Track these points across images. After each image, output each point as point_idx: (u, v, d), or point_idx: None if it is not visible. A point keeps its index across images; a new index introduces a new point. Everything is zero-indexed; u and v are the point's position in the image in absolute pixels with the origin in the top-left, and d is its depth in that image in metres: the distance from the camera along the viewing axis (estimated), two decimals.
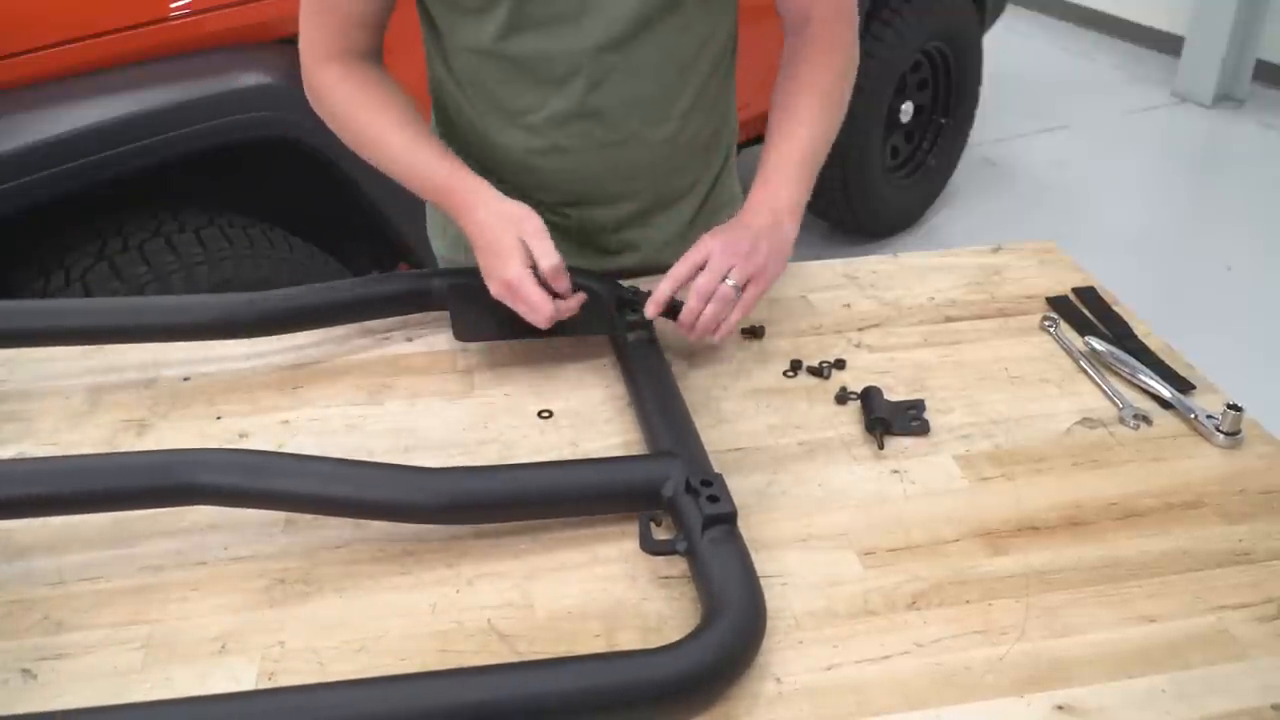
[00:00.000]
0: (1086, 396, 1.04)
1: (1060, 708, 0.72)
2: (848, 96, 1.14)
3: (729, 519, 0.81)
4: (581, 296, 1.04)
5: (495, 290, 1.01)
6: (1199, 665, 0.75)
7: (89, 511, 0.83)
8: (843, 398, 1.03)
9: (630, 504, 0.86)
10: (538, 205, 1.20)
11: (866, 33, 2.88)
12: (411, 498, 0.82)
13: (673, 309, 1.04)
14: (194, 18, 1.75)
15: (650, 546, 0.82)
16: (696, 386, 1.05)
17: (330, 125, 1.11)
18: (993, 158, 3.86)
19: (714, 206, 1.26)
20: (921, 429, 0.98)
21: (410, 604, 0.80)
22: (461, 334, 1.09)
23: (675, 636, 0.74)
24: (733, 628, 0.73)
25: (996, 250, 1.30)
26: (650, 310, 1.03)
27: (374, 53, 1.12)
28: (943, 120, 3.30)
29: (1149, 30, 4.83)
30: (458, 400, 1.04)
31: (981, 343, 1.12)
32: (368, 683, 0.69)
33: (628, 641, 0.77)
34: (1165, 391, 1.02)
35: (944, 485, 0.92)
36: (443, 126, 1.23)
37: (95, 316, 1.07)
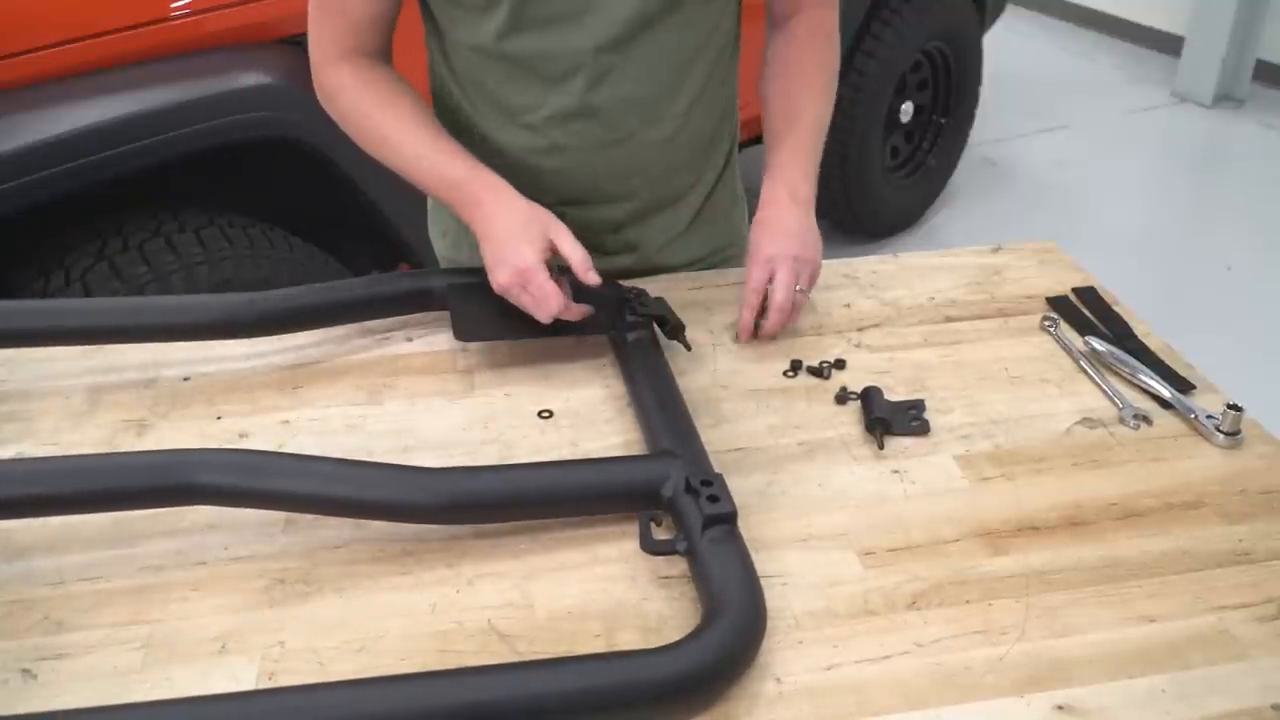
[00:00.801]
0: (1086, 396, 1.04)
1: (1060, 708, 0.72)
2: (836, 76, 1.19)
3: (729, 519, 0.81)
4: (587, 308, 1.05)
5: (505, 280, 1.01)
6: (1199, 665, 0.75)
7: (89, 511, 0.83)
8: (843, 398, 1.03)
9: (630, 504, 0.86)
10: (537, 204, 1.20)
11: (866, 32, 2.88)
12: (411, 498, 0.82)
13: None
14: (194, 18, 1.75)
15: (650, 546, 0.82)
16: (696, 386, 1.05)
17: (342, 126, 1.12)
18: (993, 158, 3.86)
19: (716, 207, 1.26)
20: (921, 429, 0.98)
21: (410, 604, 0.80)
22: (461, 334, 1.09)
23: (675, 636, 0.74)
24: (733, 628, 0.73)
25: (996, 250, 1.30)
26: (743, 337, 1.11)
27: (383, 52, 1.12)
28: (943, 120, 3.30)
29: (1149, 30, 4.83)
30: (458, 400, 1.04)
31: (981, 343, 1.12)
32: (368, 683, 0.69)
33: (628, 641, 0.77)
34: (1165, 391, 1.02)
35: (944, 485, 0.92)
36: (444, 125, 1.23)
37: (95, 316, 1.07)
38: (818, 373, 1.07)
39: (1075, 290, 1.21)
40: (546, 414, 1.01)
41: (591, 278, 1.02)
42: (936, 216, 3.44)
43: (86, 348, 1.10)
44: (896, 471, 0.94)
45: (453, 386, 1.06)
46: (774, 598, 0.79)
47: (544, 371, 1.08)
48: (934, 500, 0.91)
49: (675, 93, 1.12)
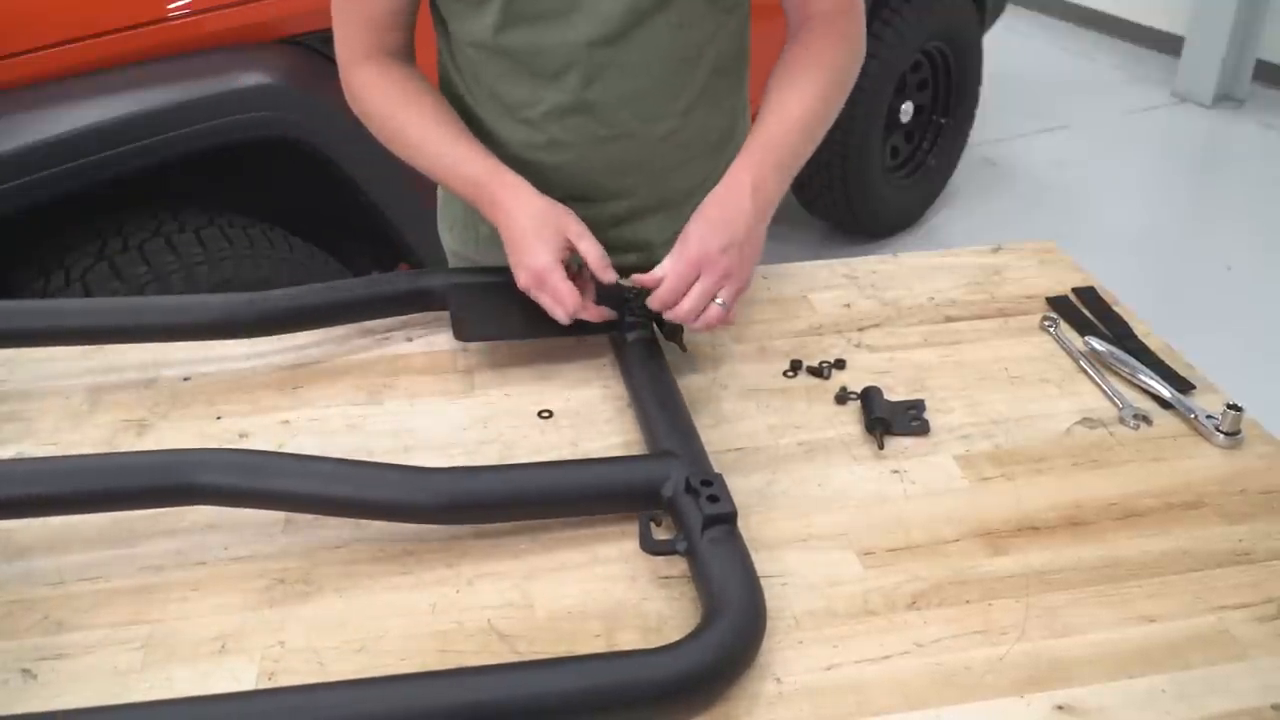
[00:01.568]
0: (1086, 396, 1.04)
1: (1060, 708, 0.72)
2: (849, 84, 1.10)
3: (729, 519, 0.81)
4: (606, 310, 1.04)
5: (523, 281, 1.02)
6: (1199, 665, 0.75)
7: (89, 511, 0.83)
8: (843, 398, 1.03)
9: (630, 504, 0.86)
10: None
11: (867, 33, 2.87)
12: (411, 498, 0.82)
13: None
14: (194, 18, 1.75)
15: (650, 546, 0.82)
16: (696, 386, 1.05)
17: (367, 125, 1.13)
18: (993, 158, 3.86)
19: None
20: (921, 429, 0.98)
21: (410, 604, 0.80)
22: (461, 334, 1.09)
23: (675, 636, 0.74)
24: (733, 628, 0.73)
25: (996, 250, 1.30)
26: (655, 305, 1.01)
27: (406, 49, 1.14)
28: (943, 120, 3.30)
29: (1149, 30, 4.83)
30: (458, 400, 1.04)
31: (981, 343, 1.12)
32: (368, 683, 0.69)
33: (628, 641, 0.77)
34: (1165, 391, 1.02)
35: (944, 485, 0.92)
36: None
37: (95, 316, 1.07)
38: (818, 373, 1.07)
39: (1075, 290, 1.21)
40: (546, 414, 1.01)
41: (609, 275, 1.02)
42: (936, 216, 3.44)
43: (86, 348, 1.10)
44: (896, 471, 0.94)
45: (453, 386, 1.06)
46: (774, 598, 0.79)
47: (544, 371, 1.08)
48: (934, 500, 0.91)
49: (674, 91, 1.12)
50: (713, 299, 0.98)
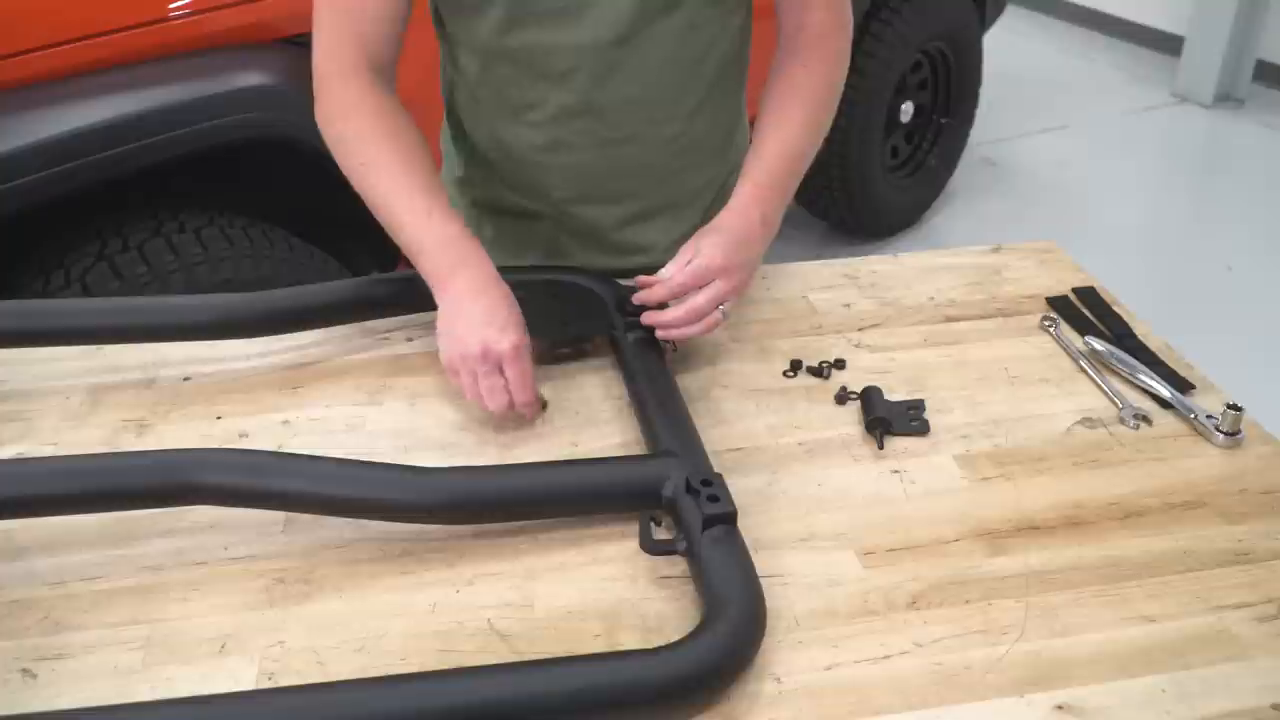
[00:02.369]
0: (1086, 396, 1.04)
1: (1060, 708, 0.72)
2: (836, 105, 1.12)
3: (729, 519, 0.81)
4: (539, 407, 1.00)
5: (447, 366, 0.96)
6: (1199, 665, 0.75)
7: (89, 511, 0.83)
8: (843, 398, 1.03)
9: (630, 504, 0.86)
10: (543, 202, 1.20)
11: (866, 33, 2.88)
12: (411, 498, 0.82)
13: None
14: (194, 18, 1.75)
15: (650, 546, 0.82)
16: (696, 386, 1.05)
17: (331, 145, 1.06)
18: (993, 158, 3.86)
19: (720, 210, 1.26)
20: (921, 429, 0.98)
21: (410, 604, 0.80)
22: None
23: (675, 636, 0.74)
24: (732, 628, 0.73)
25: (996, 250, 1.30)
26: (648, 315, 1.01)
27: (391, 67, 1.08)
28: (943, 120, 3.30)
29: (1149, 30, 4.83)
30: (458, 400, 1.04)
31: (981, 343, 1.12)
32: (368, 683, 0.69)
33: (628, 641, 0.77)
34: (1165, 391, 1.02)
35: (944, 485, 0.92)
36: (454, 128, 1.23)
37: (95, 316, 1.07)
38: (818, 373, 1.07)
39: (1075, 290, 1.21)
40: (546, 413, 1.01)
41: (527, 412, 0.97)
42: (936, 216, 3.44)
43: (86, 348, 1.10)
44: (896, 471, 0.94)
45: (453, 386, 1.06)
46: (774, 598, 0.79)
47: (544, 371, 1.07)
48: (934, 500, 0.91)
49: (681, 93, 1.12)
50: (718, 306, 1.00)
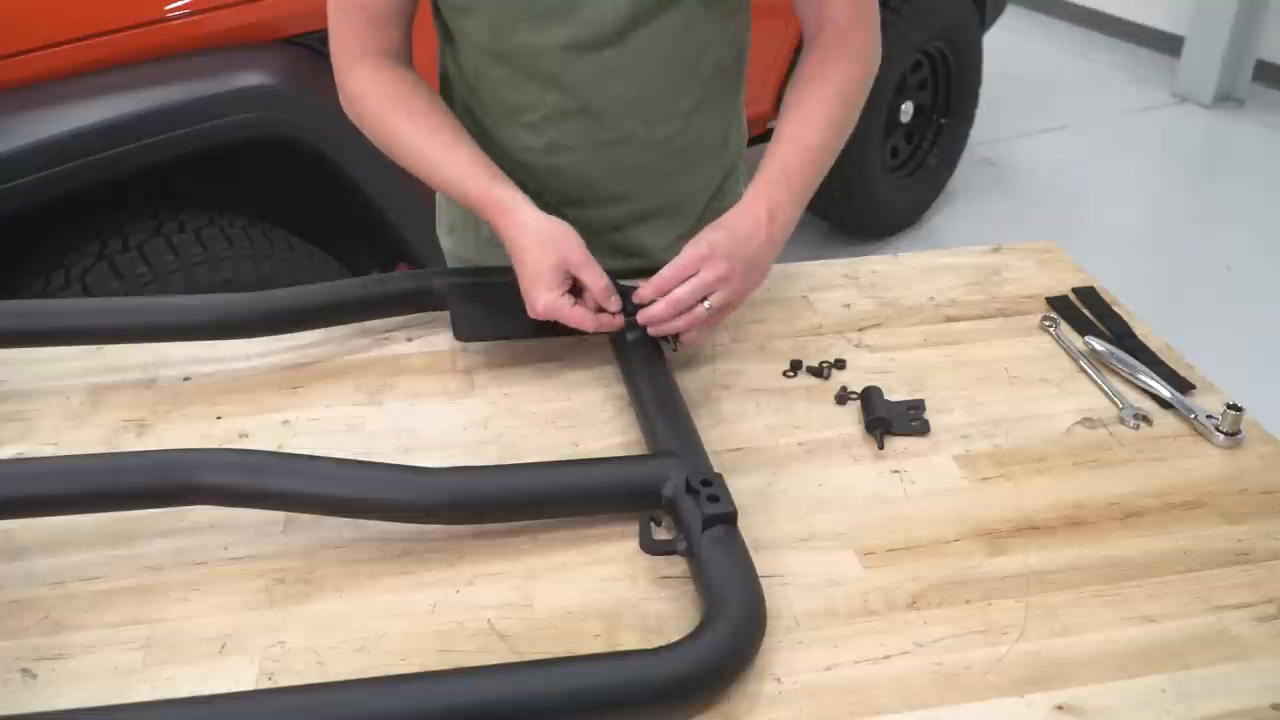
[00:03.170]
0: (1086, 396, 1.04)
1: (1060, 708, 0.72)
2: (861, 103, 1.11)
3: (729, 519, 0.81)
4: (621, 321, 1.01)
5: (537, 314, 0.99)
6: (1199, 665, 0.75)
7: (89, 511, 0.83)
8: (843, 398, 1.03)
9: (630, 504, 0.86)
10: (541, 204, 1.20)
11: None
12: (411, 498, 0.82)
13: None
14: (194, 18, 1.75)
15: (650, 546, 0.82)
16: (696, 386, 1.05)
17: (362, 129, 1.10)
18: (993, 158, 3.86)
19: (720, 210, 1.25)
20: (921, 429, 0.98)
21: (410, 604, 0.80)
22: (461, 334, 1.09)
23: (675, 636, 0.74)
24: (732, 628, 0.73)
25: (996, 250, 1.30)
26: (641, 313, 1.00)
27: (404, 48, 1.12)
28: (943, 120, 3.30)
29: (1149, 30, 4.83)
30: (458, 400, 1.04)
31: (982, 343, 1.12)
32: (368, 683, 0.69)
33: (628, 641, 0.77)
34: (1165, 391, 1.02)
35: (944, 485, 0.92)
36: None
37: (95, 316, 1.07)
38: (818, 373, 1.07)
39: (1075, 290, 1.21)
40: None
41: (612, 304, 1.00)
42: (936, 216, 3.45)
43: (86, 348, 1.10)
44: (896, 471, 0.94)
45: (453, 386, 1.06)
46: (774, 598, 0.79)
47: (544, 371, 1.08)
48: (934, 500, 0.91)
49: (677, 95, 1.12)
50: (703, 299, 0.97)
